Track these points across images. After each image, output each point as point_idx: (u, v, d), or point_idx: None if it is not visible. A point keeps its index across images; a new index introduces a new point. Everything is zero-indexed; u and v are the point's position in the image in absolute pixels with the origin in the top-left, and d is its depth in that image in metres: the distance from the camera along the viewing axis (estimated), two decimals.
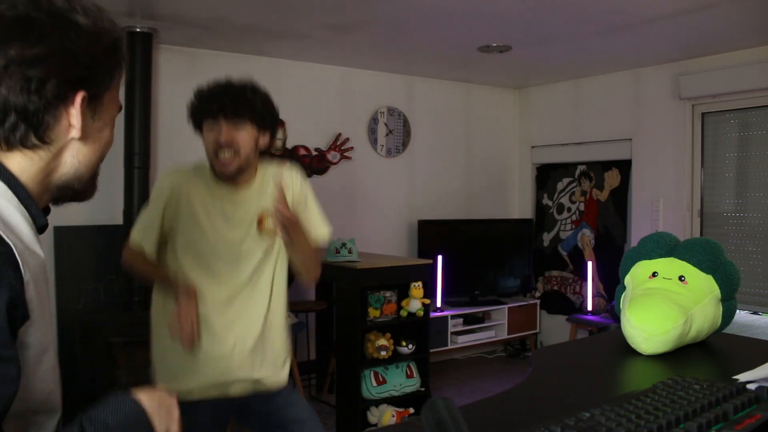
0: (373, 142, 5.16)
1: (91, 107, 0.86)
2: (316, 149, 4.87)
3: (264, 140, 1.90)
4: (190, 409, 1.66)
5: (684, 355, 1.27)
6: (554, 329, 5.60)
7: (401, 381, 3.92)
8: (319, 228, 2.00)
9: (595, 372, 1.24)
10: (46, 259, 0.89)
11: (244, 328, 1.89)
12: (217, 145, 1.81)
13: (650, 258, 1.40)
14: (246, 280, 1.90)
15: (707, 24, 3.71)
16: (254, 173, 1.93)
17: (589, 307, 5.18)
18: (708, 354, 1.31)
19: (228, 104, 1.80)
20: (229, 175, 1.85)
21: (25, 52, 0.77)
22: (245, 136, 1.83)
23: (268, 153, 2.00)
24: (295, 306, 4.09)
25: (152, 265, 1.90)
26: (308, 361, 4.67)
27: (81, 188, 0.98)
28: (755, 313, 4.39)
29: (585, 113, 5.36)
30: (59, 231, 3.89)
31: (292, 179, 2.00)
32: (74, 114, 0.83)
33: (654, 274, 1.36)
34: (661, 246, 1.40)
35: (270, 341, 1.94)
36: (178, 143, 4.33)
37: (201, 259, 1.88)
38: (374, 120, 5.16)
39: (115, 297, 4.01)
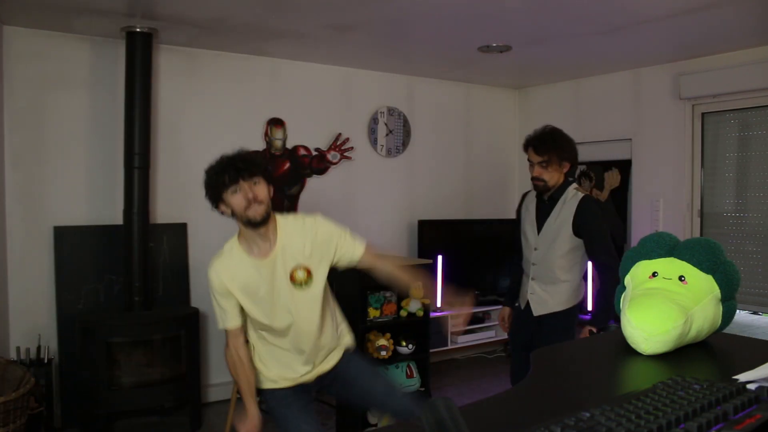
0: (373, 142, 5.16)
1: None
2: (316, 149, 4.87)
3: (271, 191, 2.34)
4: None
5: (684, 355, 1.27)
6: None
7: (401, 381, 3.92)
8: (357, 249, 2.42)
9: (595, 372, 1.24)
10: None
11: (310, 347, 2.41)
12: (246, 202, 2.23)
13: (650, 258, 1.39)
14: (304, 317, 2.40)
15: (707, 24, 3.71)
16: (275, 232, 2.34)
17: (589, 307, 5.18)
18: (708, 354, 1.31)
19: (242, 167, 2.24)
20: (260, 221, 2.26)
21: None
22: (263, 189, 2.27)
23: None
24: None
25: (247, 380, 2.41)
26: None
27: None
28: (755, 313, 4.39)
29: (585, 113, 5.36)
30: (59, 231, 3.89)
31: (309, 227, 2.37)
32: None
33: (654, 274, 1.36)
34: (661, 246, 1.40)
35: (324, 343, 2.47)
36: (178, 143, 4.33)
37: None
38: (374, 120, 5.16)
39: (115, 297, 4.01)
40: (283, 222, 2.34)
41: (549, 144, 2.97)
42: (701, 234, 4.59)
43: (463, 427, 0.69)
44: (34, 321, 3.86)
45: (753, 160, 4.37)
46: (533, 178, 3.03)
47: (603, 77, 5.21)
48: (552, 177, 3.00)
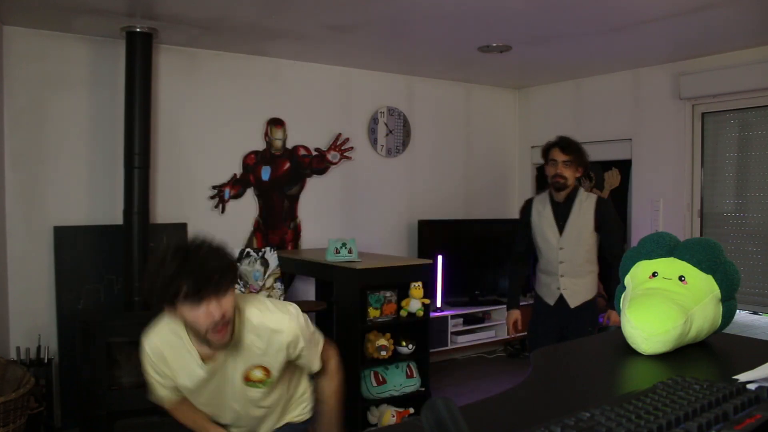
0: (373, 142, 5.16)
1: None
2: (316, 149, 4.86)
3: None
4: None
5: (684, 355, 1.27)
6: None
7: (401, 381, 3.92)
8: (313, 364, 2.16)
9: (595, 372, 1.24)
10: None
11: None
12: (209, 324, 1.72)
13: (650, 258, 1.39)
14: (260, 415, 2.08)
15: (707, 24, 3.71)
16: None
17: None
18: (708, 354, 1.31)
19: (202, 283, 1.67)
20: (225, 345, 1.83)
21: None
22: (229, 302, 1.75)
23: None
24: None
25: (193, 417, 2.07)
26: None
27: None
28: (755, 313, 4.39)
29: (585, 113, 5.36)
30: (59, 231, 3.89)
31: (273, 335, 1.90)
32: None
33: (654, 274, 1.36)
34: (661, 246, 1.40)
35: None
36: (177, 143, 4.33)
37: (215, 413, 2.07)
38: (374, 120, 5.16)
39: (115, 297, 4.01)
40: (247, 315, 1.88)
41: (574, 146, 3.27)
42: (701, 234, 4.59)
43: (463, 427, 0.69)
44: (34, 321, 3.86)
45: (753, 160, 4.36)
46: (555, 176, 3.27)
47: (603, 77, 5.21)
48: (570, 177, 3.27)
